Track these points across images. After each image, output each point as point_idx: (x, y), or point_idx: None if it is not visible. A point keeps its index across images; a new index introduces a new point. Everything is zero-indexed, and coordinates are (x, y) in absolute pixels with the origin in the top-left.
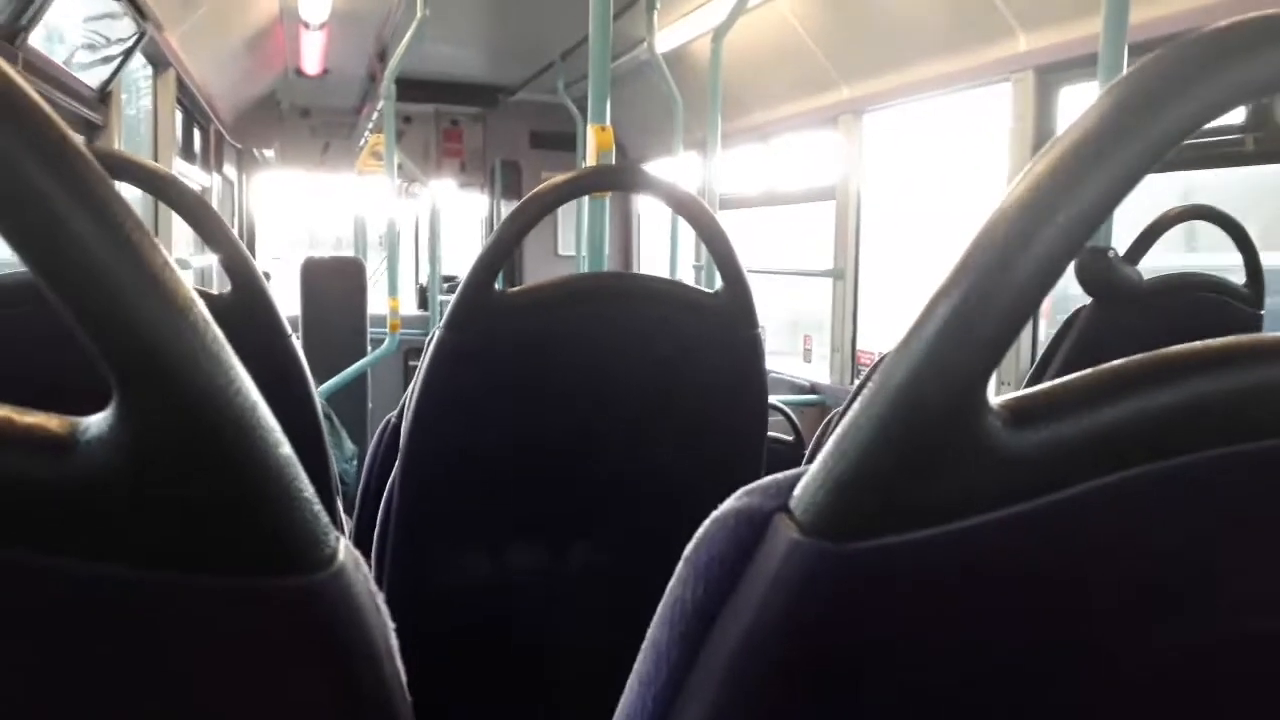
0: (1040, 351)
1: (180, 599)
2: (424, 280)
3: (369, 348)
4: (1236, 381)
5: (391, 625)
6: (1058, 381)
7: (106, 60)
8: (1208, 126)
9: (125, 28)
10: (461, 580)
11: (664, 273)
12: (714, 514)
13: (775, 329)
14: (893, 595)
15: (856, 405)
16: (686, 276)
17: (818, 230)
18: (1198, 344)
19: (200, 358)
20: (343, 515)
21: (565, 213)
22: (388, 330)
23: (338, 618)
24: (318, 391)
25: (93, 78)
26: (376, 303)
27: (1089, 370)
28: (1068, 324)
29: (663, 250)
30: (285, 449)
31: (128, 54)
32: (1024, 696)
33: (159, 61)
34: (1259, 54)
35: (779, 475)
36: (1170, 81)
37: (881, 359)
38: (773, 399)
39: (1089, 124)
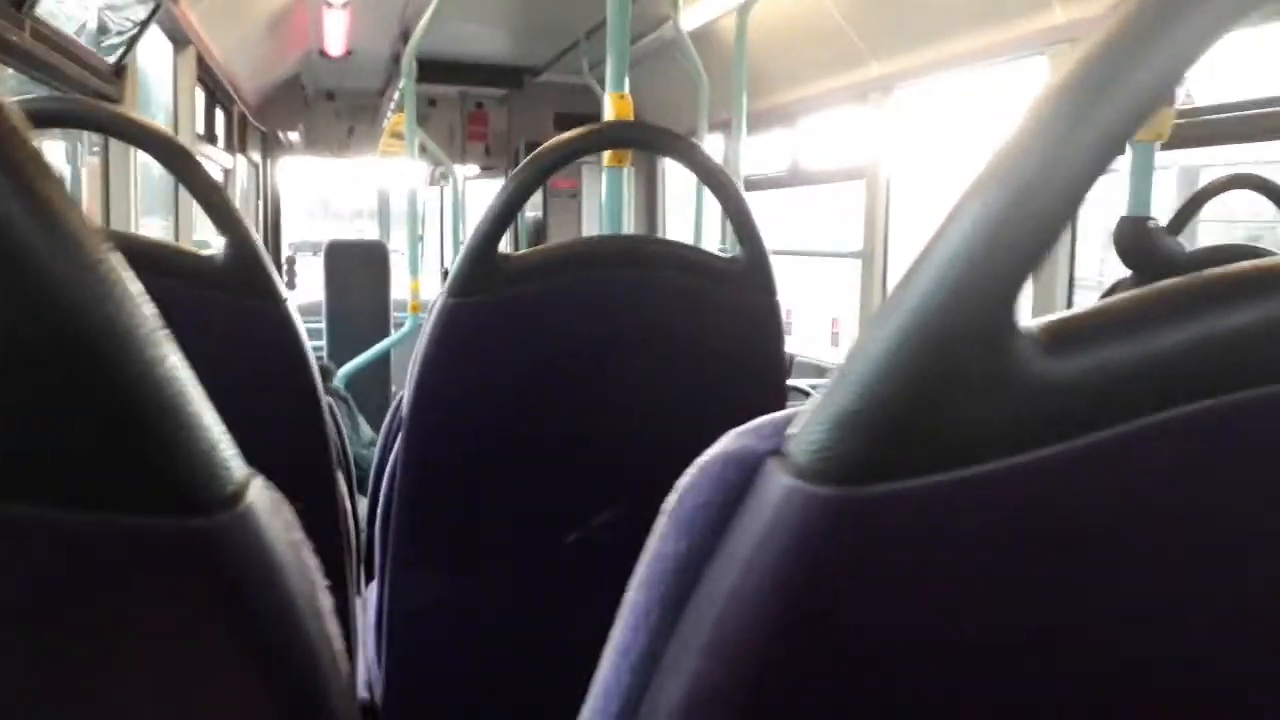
0: None
1: (40, 537)
2: (449, 264)
3: (392, 330)
4: None
5: (322, 582)
6: (1105, 301)
7: (122, 35)
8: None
9: (144, 8)
10: (466, 559)
11: None
12: (700, 458)
13: (804, 313)
14: (905, 549)
15: (864, 330)
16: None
17: (850, 212)
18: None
19: (64, 261)
20: (353, 498)
21: (590, 195)
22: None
23: (238, 566)
24: (339, 374)
25: (111, 54)
26: (402, 287)
27: (1143, 288)
28: (1105, 297)
29: (688, 232)
30: (177, 368)
31: (143, 25)
32: (1054, 663)
33: (179, 38)
34: None
35: (775, 414)
36: None
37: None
38: (800, 382)
39: (1123, 16)
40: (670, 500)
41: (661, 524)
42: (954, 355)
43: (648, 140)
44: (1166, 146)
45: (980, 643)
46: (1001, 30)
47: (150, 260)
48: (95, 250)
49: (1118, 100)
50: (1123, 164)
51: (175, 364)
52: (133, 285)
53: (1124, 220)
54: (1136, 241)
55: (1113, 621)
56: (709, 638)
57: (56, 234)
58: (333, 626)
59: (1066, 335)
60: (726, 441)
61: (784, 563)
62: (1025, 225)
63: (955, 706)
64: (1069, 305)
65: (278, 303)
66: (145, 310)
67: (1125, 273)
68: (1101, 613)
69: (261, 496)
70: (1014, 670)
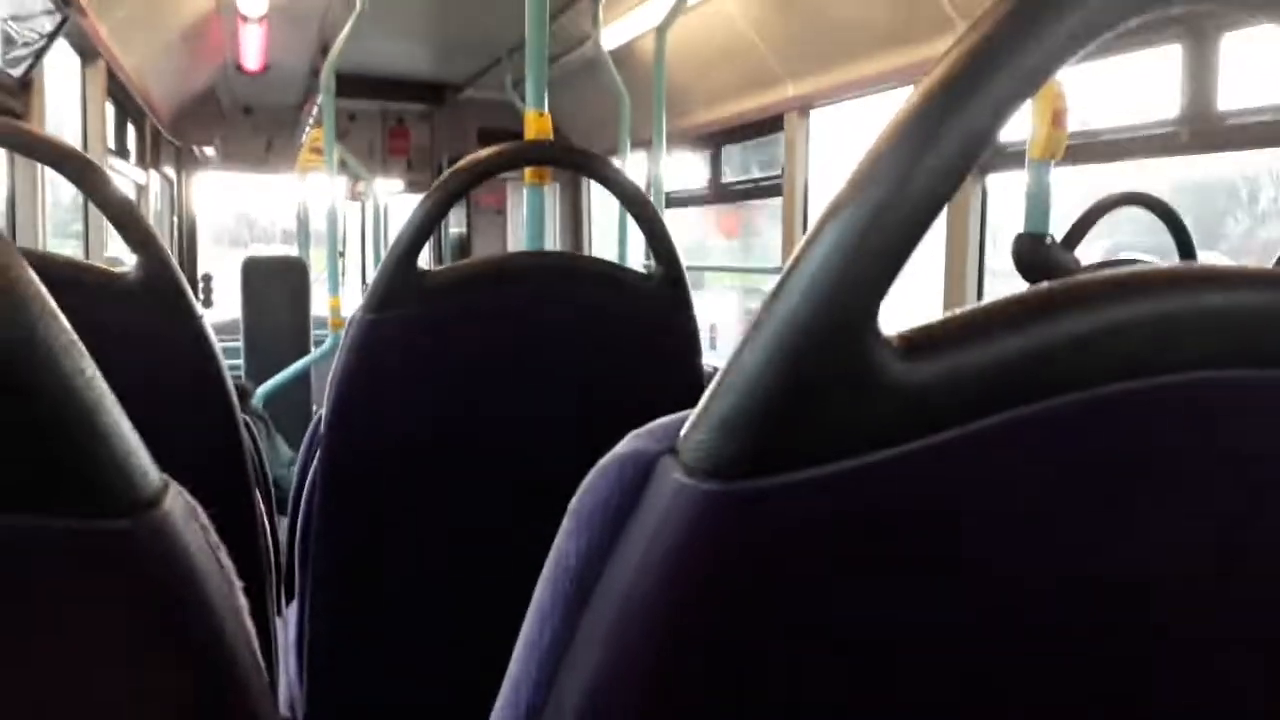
0: None
1: None
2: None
3: (312, 348)
4: (1151, 310)
5: (238, 584)
6: (960, 310)
7: (29, 48)
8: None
9: (51, 20)
10: (387, 575)
11: None
12: (599, 461)
13: (729, 328)
14: (787, 539)
15: (742, 337)
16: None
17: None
18: (1109, 272)
19: None
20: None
21: (516, 212)
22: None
23: (155, 569)
24: (257, 393)
25: (16, 67)
26: (322, 304)
27: (991, 300)
28: None
29: (614, 250)
30: (93, 378)
31: (49, 38)
32: (929, 645)
33: (87, 51)
34: None
35: (669, 417)
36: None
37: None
38: None
39: (981, 32)
40: (573, 500)
41: (565, 522)
42: (820, 361)
43: (565, 160)
44: (1060, 164)
45: (850, 626)
46: (909, 53)
47: (60, 277)
48: (11, 267)
49: (960, 126)
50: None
51: (92, 374)
52: (49, 300)
53: (1020, 236)
54: (1033, 256)
55: (966, 606)
56: (609, 630)
57: None
58: (250, 627)
59: (922, 342)
60: (624, 444)
61: (675, 555)
62: (881, 241)
63: (835, 685)
64: (979, 296)
65: (192, 320)
66: (62, 323)
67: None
68: (956, 599)
69: (178, 502)
70: (886, 656)
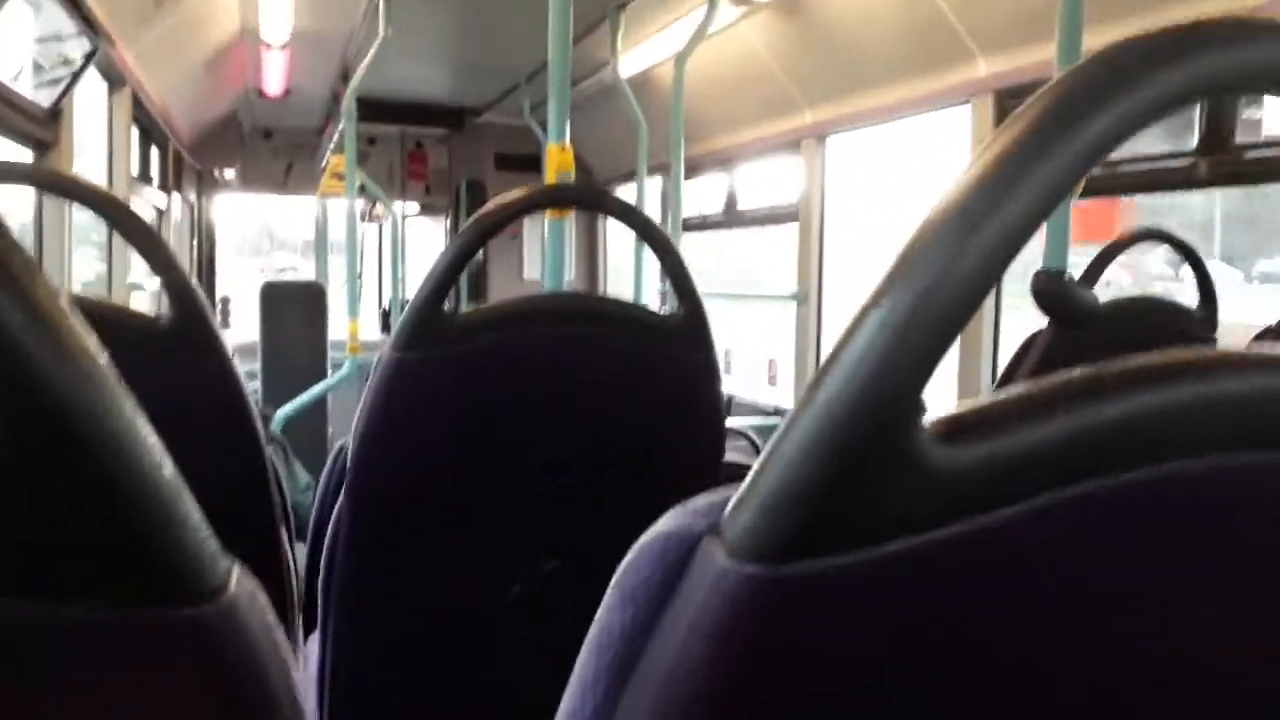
0: (1000, 374)
1: (39, 629)
2: (387, 304)
3: (329, 372)
4: (1177, 396)
5: (294, 663)
6: (995, 397)
7: (59, 79)
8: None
9: (79, 46)
10: (411, 613)
11: (630, 298)
12: (643, 537)
13: (743, 352)
14: (829, 622)
15: (786, 422)
16: (652, 302)
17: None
18: (1137, 358)
19: (69, 370)
20: (291, 545)
21: (532, 238)
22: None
23: (224, 654)
24: (275, 417)
25: (46, 97)
26: (340, 328)
27: (1027, 385)
28: (1025, 346)
29: (630, 276)
30: (166, 470)
31: (80, 69)
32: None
33: (114, 78)
34: (1183, 61)
35: (713, 494)
36: (1095, 90)
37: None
38: (738, 423)
39: (1017, 131)
40: (617, 574)
41: (608, 596)
42: (862, 447)
43: (588, 201)
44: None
45: (894, 709)
46: (928, 81)
47: (102, 325)
48: (92, 358)
49: (1008, 212)
50: None
51: (170, 468)
52: (123, 389)
53: (1039, 274)
54: (1051, 293)
55: (1012, 686)
56: (651, 708)
57: (56, 343)
58: (303, 709)
59: (959, 427)
60: (666, 520)
61: (719, 635)
62: (923, 330)
63: None
64: (996, 329)
65: (222, 360)
66: (138, 415)
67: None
68: (1001, 678)
69: (242, 584)
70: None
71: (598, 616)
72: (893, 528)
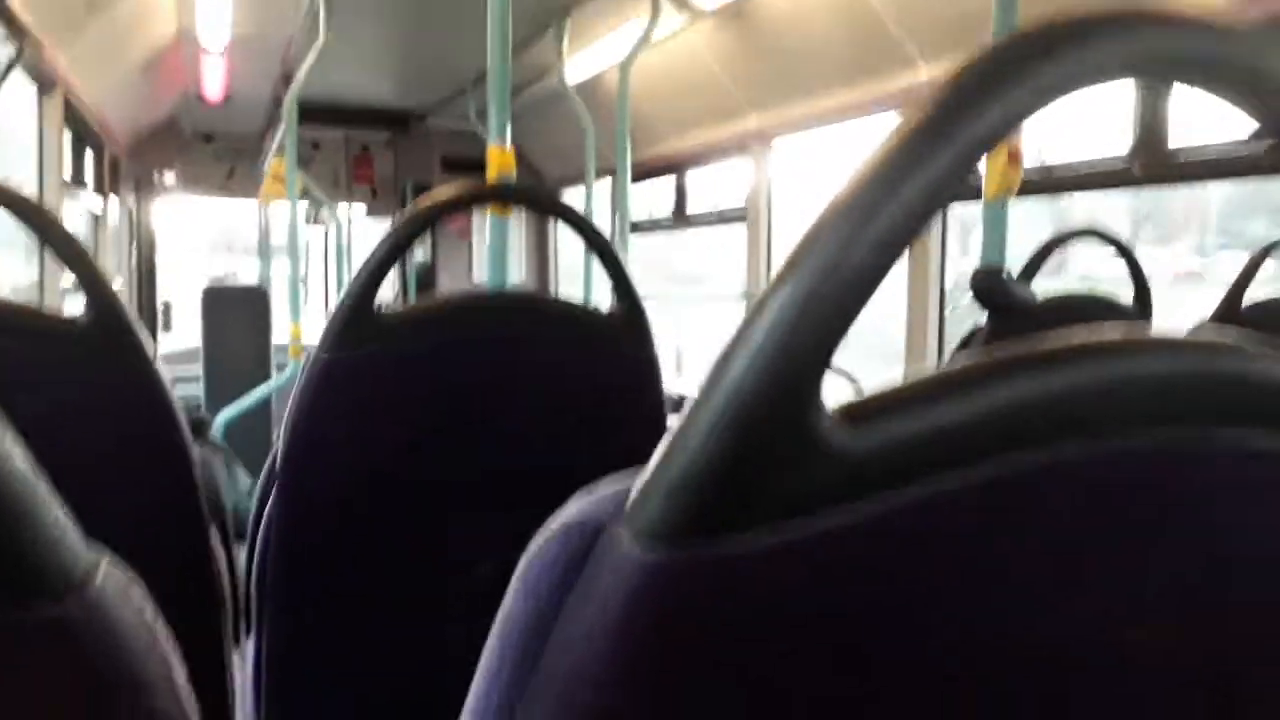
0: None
1: None
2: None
3: (273, 376)
4: (1078, 378)
5: (176, 658)
6: (901, 382)
7: None
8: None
9: (3, 50)
10: (342, 612)
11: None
12: (546, 526)
13: (696, 352)
14: (731, 605)
15: (688, 408)
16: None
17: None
18: (1035, 343)
19: None
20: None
21: (482, 240)
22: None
23: (90, 647)
24: (216, 421)
25: None
26: (283, 331)
27: (935, 371)
28: (965, 341)
29: (579, 275)
30: (16, 461)
31: (5, 71)
32: (876, 706)
33: (44, 81)
34: (1058, 56)
35: (617, 481)
36: (980, 84)
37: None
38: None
39: (907, 128)
40: (520, 564)
41: (512, 585)
42: (763, 431)
43: (523, 200)
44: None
45: (797, 686)
46: (871, 87)
47: (11, 324)
48: None
49: (899, 200)
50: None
51: (20, 461)
52: None
53: (978, 271)
54: (990, 289)
55: (915, 662)
56: (556, 696)
57: None
58: (190, 703)
59: (859, 411)
60: (570, 508)
61: (621, 622)
62: (819, 315)
63: None
64: (941, 317)
65: (141, 360)
66: None
67: None
68: (903, 655)
69: (112, 577)
70: (847, 696)
71: (502, 606)
72: (795, 509)
